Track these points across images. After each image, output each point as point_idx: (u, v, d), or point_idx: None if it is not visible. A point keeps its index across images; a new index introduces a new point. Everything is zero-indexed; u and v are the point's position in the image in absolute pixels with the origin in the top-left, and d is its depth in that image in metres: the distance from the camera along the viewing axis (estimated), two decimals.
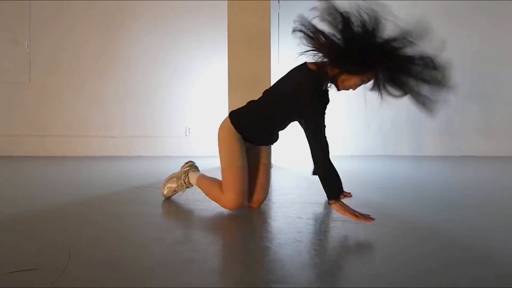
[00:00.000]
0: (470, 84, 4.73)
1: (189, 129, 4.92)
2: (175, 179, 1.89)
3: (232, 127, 1.64)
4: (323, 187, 1.47)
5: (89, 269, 1.03)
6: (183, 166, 1.92)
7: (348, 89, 1.53)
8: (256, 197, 1.74)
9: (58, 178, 2.94)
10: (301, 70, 1.54)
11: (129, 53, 4.97)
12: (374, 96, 1.45)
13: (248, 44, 3.50)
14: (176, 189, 1.89)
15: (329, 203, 1.47)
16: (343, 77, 1.47)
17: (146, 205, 1.86)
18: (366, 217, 1.40)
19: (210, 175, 1.81)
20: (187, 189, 1.88)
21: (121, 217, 1.63)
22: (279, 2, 4.66)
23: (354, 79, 1.46)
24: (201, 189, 1.78)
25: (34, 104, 4.97)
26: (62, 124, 4.96)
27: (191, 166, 1.91)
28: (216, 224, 1.56)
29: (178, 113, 4.90)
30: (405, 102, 1.44)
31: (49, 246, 1.23)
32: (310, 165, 1.68)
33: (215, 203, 1.70)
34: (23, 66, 4.96)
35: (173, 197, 1.96)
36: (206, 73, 4.88)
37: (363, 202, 1.90)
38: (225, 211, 1.69)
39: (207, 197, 1.76)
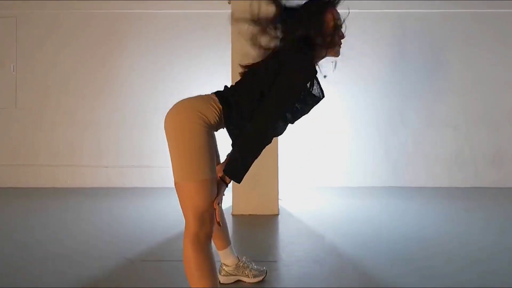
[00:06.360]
0: (479, 112, 4.59)
1: None
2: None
3: (205, 115, 1.29)
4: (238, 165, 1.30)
5: None
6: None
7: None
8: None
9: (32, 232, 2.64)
10: None
11: (123, 76, 4.68)
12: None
13: None
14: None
15: (225, 177, 1.31)
16: None
17: None
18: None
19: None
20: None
21: None
22: None
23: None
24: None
25: (21, 132, 4.64)
26: (52, 153, 4.64)
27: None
28: None
29: None
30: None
31: None
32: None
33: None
34: (9, 90, 4.62)
35: None
36: None
37: None
38: None
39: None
